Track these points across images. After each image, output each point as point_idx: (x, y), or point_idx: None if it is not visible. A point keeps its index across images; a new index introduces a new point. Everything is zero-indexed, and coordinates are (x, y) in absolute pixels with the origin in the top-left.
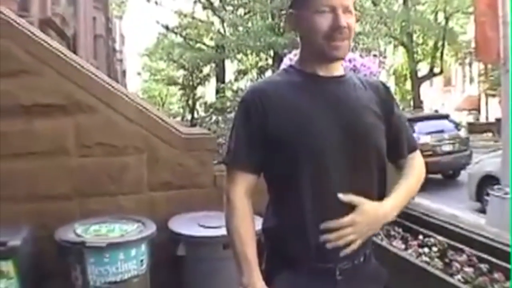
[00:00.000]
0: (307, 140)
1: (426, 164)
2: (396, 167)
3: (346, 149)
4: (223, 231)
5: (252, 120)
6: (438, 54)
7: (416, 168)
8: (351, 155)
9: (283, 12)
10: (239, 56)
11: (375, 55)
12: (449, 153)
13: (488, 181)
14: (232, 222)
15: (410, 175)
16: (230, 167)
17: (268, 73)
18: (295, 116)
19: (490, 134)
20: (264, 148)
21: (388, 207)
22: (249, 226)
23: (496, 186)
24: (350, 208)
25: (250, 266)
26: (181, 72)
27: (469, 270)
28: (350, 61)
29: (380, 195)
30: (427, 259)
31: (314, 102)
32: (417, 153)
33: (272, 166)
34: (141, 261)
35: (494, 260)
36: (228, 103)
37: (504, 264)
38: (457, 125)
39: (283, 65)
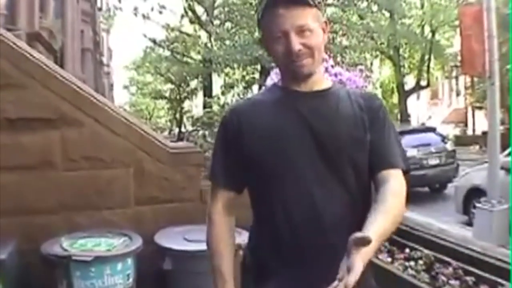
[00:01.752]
0: (277, 158)
1: (413, 177)
2: (374, 183)
3: (318, 166)
4: (199, 246)
5: (229, 140)
6: (425, 67)
7: (392, 189)
8: (324, 172)
9: None
10: (226, 70)
11: (361, 70)
12: (435, 166)
13: (474, 194)
14: (209, 236)
15: (386, 197)
16: (212, 185)
17: (255, 87)
18: (268, 135)
19: (477, 147)
20: (241, 167)
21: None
22: (225, 241)
23: (482, 199)
24: (325, 229)
25: (223, 279)
26: (169, 85)
27: (455, 283)
28: (336, 75)
29: (362, 216)
30: (413, 272)
31: (289, 119)
32: (399, 174)
33: (250, 184)
34: (128, 275)
35: (480, 272)
36: (215, 117)
37: (490, 276)
38: (444, 138)
39: (269, 79)
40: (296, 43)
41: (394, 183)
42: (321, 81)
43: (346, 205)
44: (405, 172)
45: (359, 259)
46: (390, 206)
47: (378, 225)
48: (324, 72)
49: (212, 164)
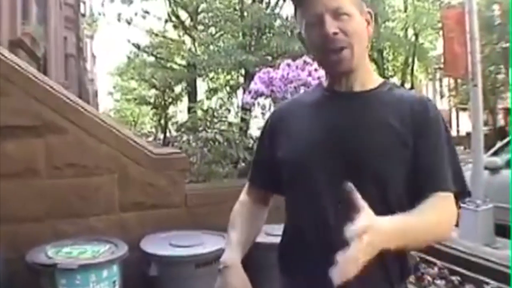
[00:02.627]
0: (295, 166)
1: None
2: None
3: (337, 179)
4: (195, 250)
5: (264, 140)
6: (409, 70)
7: (435, 205)
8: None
9: (254, 31)
10: (210, 74)
11: None
12: None
13: None
14: (232, 213)
15: (426, 209)
16: (248, 181)
17: (239, 91)
18: (294, 139)
19: (461, 148)
20: (273, 168)
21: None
22: (244, 218)
23: (467, 199)
24: (335, 249)
25: (230, 246)
26: (153, 91)
27: (440, 282)
28: (319, 78)
29: None
30: None
31: (318, 123)
32: (449, 199)
33: (280, 185)
34: (113, 282)
35: (465, 272)
36: (199, 122)
37: (475, 275)
38: None
39: (253, 83)
40: (332, 25)
41: (443, 207)
42: (366, 80)
43: None
44: (462, 195)
45: (358, 243)
46: (427, 214)
47: (402, 219)
48: (307, 76)
49: (252, 163)
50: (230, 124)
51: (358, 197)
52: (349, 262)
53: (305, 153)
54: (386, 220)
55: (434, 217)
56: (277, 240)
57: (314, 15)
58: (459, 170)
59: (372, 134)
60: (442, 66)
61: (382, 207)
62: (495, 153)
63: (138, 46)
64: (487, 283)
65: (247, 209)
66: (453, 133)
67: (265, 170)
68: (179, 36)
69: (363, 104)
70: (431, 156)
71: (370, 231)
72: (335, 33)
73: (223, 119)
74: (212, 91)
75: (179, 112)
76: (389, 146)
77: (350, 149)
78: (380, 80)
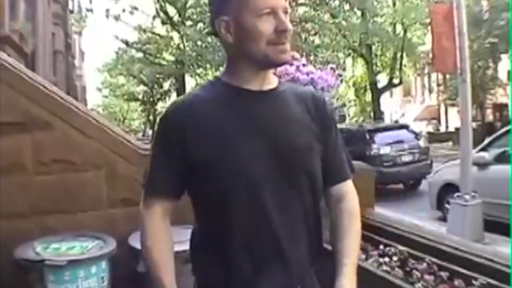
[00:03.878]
0: (226, 166)
1: (387, 174)
2: (325, 196)
3: (273, 174)
4: (182, 247)
5: (171, 141)
6: (397, 65)
7: (352, 213)
8: (279, 180)
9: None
10: (198, 70)
11: (332, 68)
12: (409, 163)
13: (448, 189)
14: (145, 246)
15: (348, 229)
16: (147, 192)
17: None
18: (216, 138)
19: (450, 143)
20: (185, 171)
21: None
22: (164, 250)
23: (456, 194)
24: (279, 239)
25: None
26: (141, 87)
27: (429, 278)
28: (308, 74)
29: (315, 224)
30: (387, 268)
31: (239, 121)
32: (351, 186)
33: (195, 189)
34: (102, 278)
35: (454, 267)
36: None
37: (464, 271)
38: (417, 135)
39: None
40: (288, 22)
41: (351, 199)
42: (271, 78)
43: (300, 215)
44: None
45: None
46: (356, 230)
47: (354, 257)
48: (296, 71)
49: (151, 170)
50: None
51: None
52: None
53: (237, 155)
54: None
55: (358, 226)
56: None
57: (269, 7)
58: (348, 154)
59: (295, 132)
60: (430, 61)
61: (312, 195)
62: (484, 149)
63: (126, 42)
64: (476, 279)
65: (162, 235)
66: (442, 128)
67: (179, 178)
68: (167, 32)
69: (277, 102)
70: (335, 148)
71: None
72: (291, 29)
73: None
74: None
75: None
76: (310, 141)
77: (280, 144)
78: (275, 77)
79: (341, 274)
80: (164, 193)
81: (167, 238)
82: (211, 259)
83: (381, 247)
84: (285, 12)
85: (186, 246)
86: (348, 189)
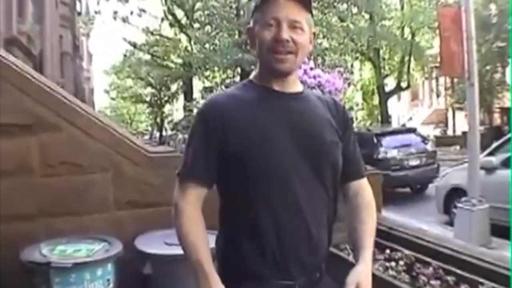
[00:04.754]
0: (264, 158)
1: (394, 178)
2: (344, 190)
3: (301, 167)
4: None
5: (210, 134)
6: (405, 68)
7: (369, 213)
8: (307, 173)
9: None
10: (206, 73)
11: (340, 71)
12: (416, 167)
13: (455, 193)
14: (182, 229)
15: (365, 218)
16: (184, 179)
17: None
18: (254, 133)
19: (457, 147)
20: (221, 163)
21: (369, 267)
22: (200, 232)
23: (463, 199)
24: (308, 224)
25: (205, 273)
26: (149, 89)
27: (435, 282)
28: (314, 77)
29: (333, 215)
30: (394, 273)
31: (272, 118)
32: (366, 182)
33: (228, 181)
34: (108, 280)
35: (460, 272)
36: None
37: (470, 276)
38: (424, 139)
39: None
40: (287, 32)
41: (367, 195)
42: (296, 83)
43: (324, 204)
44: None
45: None
46: (372, 219)
47: (370, 243)
48: (303, 74)
49: (188, 158)
50: None
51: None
52: None
53: (272, 148)
54: (363, 267)
55: (374, 219)
56: None
57: (274, 18)
58: (361, 156)
59: (322, 129)
60: (438, 65)
61: (333, 188)
62: (491, 153)
63: (134, 45)
64: (482, 284)
65: (201, 220)
66: (449, 132)
67: (215, 167)
68: (175, 34)
69: (303, 103)
70: (352, 147)
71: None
72: (287, 40)
73: None
74: (208, 90)
75: (175, 110)
76: (334, 138)
77: (308, 140)
78: (300, 84)
79: (360, 258)
80: (200, 180)
81: (202, 222)
82: (243, 244)
83: (388, 251)
84: (293, 27)
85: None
86: (364, 185)
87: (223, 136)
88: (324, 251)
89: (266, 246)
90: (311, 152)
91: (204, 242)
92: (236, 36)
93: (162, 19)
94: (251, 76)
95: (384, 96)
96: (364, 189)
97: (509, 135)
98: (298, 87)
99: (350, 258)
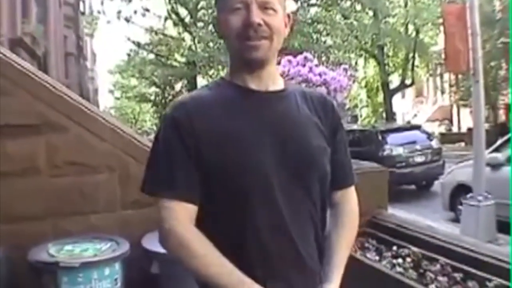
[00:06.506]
0: (240, 170)
1: (399, 175)
2: (330, 198)
3: (284, 177)
4: None
5: (185, 141)
6: (409, 65)
7: (351, 219)
8: (290, 182)
9: None
10: (210, 71)
11: (345, 69)
12: (422, 163)
13: (461, 190)
14: (195, 262)
15: (343, 234)
16: (167, 197)
17: None
18: (228, 147)
19: (462, 144)
20: (199, 173)
21: None
22: (215, 252)
23: (469, 195)
24: (295, 243)
25: (247, 284)
26: (153, 89)
27: (443, 279)
28: (320, 74)
29: (321, 229)
30: (401, 270)
31: (249, 125)
32: (352, 192)
33: (207, 196)
34: (115, 280)
35: (468, 268)
36: None
37: (478, 272)
38: (430, 136)
39: None
40: (258, 15)
41: (352, 205)
42: (276, 79)
43: (309, 215)
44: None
45: None
46: (349, 236)
47: (340, 268)
48: (308, 72)
49: (162, 171)
50: None
51: None
52: None
53: (251, 158)
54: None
55: (354, 231)
56: None
57: (241, 1)
58: (350, 161)
59: (306, 133)
60: (443, 61)
61: (321, 198)
62: (497, 149)
63: (138, 44)
64: (490, 280)
65: (205, 240)
66: (454, 129)
67: (196, 179)
68: (179, 33)
69: (286, 104)
70: (342, 153)
71: None
72: (259, 24)
73: None
74: None
75: None
76: (322, 144)
77: (292, 147)
78: (281, 79)
79: (327, 279)
80: (188, 196)
81: (208, 241)
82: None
83: (395, 248)
84: (264, 8)
85: None
86: (349, 195)
87: (196, 144)
88: (314, 269)
89: (252, 268)
90: (295, 162)
91: (226, 262)
92: None
93: (166, 18)
94: (224, 73)
95: (389, 93)
96: (348, 200)
97: None
98: (278, 84)
99: (358, 255)
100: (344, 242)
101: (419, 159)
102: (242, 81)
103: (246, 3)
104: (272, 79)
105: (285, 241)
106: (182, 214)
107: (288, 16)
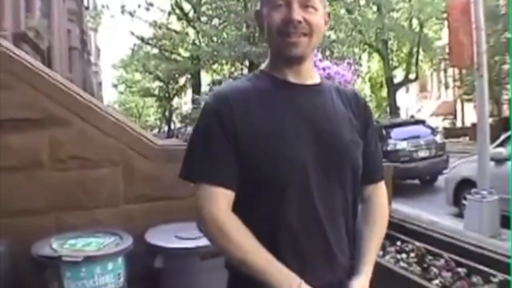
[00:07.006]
0: (277, 162)
1: (403, 170)
2: (361, 193)
3: (319, 169)
4: (200, 242)
5: (226, 130)
6: (413, 60)
7: (382, 214)
8: (325, 175)
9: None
10: (214, 66)
11: (349, 63)
12: (426, 158)
13: (465, 185)
14: (231, 247)
15: (375, 229)
16: (207, 184)
17: None
18: (266, 133)
19: (466, 139)
20: (236, 162)
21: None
22: (254, 240)
23: (473, 190)
24: (328, 238)
25: (285, 272)
26: (157, 83)
27: (447, 274)
28: (324, 69)
29: (353, 221)
30: (405, 265)
31: (287, 114)
32: (383, 186)
33: (240, 187)
34: (118, 274)
35: (472, 263)
36: None
37: (482, 267)
38: (433, 131)
39: None
40: (298, 13)
41: (382, 199)
42: (313, 74)
43: (341, 209)
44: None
45: None
46: (380, 232)
47: (373, 256)
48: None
49: (204, 158)
50: None
51: None
52: None
53: (288, 150)
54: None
55: (384, 226)
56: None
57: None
58: (381, 157)
59: (340, 126)
60: (447, 56)
61: (353, 190)
62: (501, 144)
63: (142, 39)
64: (494, 275)
65: (242, 226)
66: (458, 124)
67: (236, 167)
68: (183, 28)
69: (322, 97)
70: (373, 147)
71: None
72: (299, 21)
73: None
74: (216, 83)
75: (184, 104)
76: (355, 137)
77: (329, 139)
78: (317, 74)
79: (360, 272)
80: (227, 183)
81: (245, 228)
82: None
83: (399, 243)
84: (305, 6)
85: (201, 243)
86: (380, 191)
87: (235, 133)
88: (344, 264)
89: (284, 260)
90: (330, 155)
91: (254, 240)
92: (244, 29)
93: (170, 13)
94: (263, 66)
95: (393, 88)
96: (379, 194)
97: None
98: (315, 78)
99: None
100: (377, 238)
101: (423, 153)
102: (281, 74)
103: (288, 0)
104: (310, 73)
105: (318, 236)
106: (222, 200)
107: (329, 14)
